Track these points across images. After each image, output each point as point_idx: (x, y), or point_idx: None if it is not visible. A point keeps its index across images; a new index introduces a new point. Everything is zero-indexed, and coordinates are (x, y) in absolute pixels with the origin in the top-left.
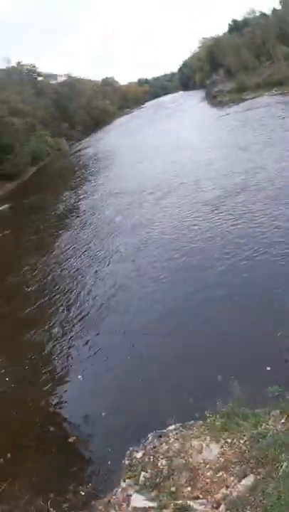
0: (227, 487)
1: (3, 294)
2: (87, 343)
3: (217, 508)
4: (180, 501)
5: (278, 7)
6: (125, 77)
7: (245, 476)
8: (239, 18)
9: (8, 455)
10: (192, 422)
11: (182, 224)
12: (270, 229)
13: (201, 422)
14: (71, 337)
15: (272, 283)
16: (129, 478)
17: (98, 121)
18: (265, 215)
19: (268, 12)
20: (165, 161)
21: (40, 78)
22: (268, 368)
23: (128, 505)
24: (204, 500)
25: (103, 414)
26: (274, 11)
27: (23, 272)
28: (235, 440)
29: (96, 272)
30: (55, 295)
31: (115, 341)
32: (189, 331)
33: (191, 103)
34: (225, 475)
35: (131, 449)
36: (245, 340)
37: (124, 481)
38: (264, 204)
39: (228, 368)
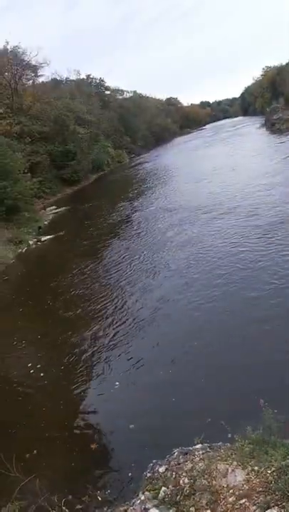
0: None
1: (50, 293)
2: (127, 352)
3: None
4: None
5: None
6: (188, 98)
7: (268, 507)
8: None
9: (35, 451)
10: (220, 443)
11: (234, 246)
12: None
13: (229, 445)
14: (112, 343)
15: None
16: (148, 491)
17: (159, 138)
18: None
19: None
20: (221, 182)
21: (107, 92)
22: None
23: None
24: None
25: (132, 424)
26: None
27: (72, 274)
28: (262, 469)
29: (144, 283)
30: (101, 300)
31: (156, 354)
32: (231, 352)
33: (249, 128)
34: (247, 503)
35: (154, 461)
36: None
37: (144, 493)
38: None
39: (265, 394)
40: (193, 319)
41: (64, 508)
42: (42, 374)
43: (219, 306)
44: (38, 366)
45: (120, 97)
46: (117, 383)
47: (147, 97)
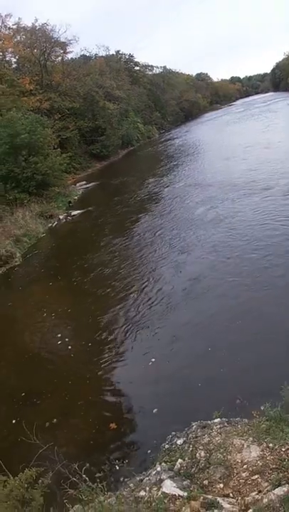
0: (259, 492)
1: (79, 269)
2: (156, 331)
3: (245, 511)
4: (210, 496)
5: None
6: (219, 73)
7: (279, 484)
8: None
9: (55, 420)
10: (238, 419)
11: (264, 224)
12: None
13: (246, 420)
14: (142, 321)
15: None
16: (165, 462)
17: (188, 114)
18: None
19: None
20: (251, 160)
21: (136, 68)
22: None
23: (159, 489)
24: (233, 500)
25: (156, 399)
26: None
27: (101, 250)
28: (277, 446)
29: (174, 260)
30: (131, 277)
31: (185, 333)
32: (259, 330)
33: (281, 104)
34: (260, 479)
35: (173, 433)
36: None
37: (160, 464)
38: None
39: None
40: (222, 299)
41: (84, 475)
42: (70, 347)
43: (249, 285)
44: (67, 339)
45: (150, 73)
46: (153, 359)
47: (177, 72)
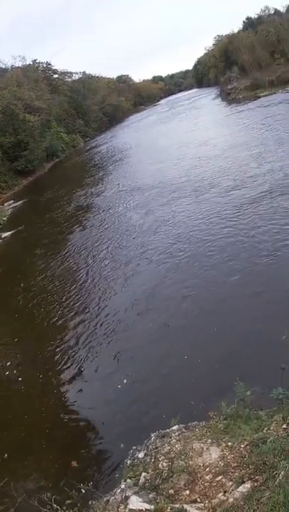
0: (225, 492)
1: (19, 292)
2: (108, 352)
3: None
4: (177, 505)
5: None
6: (140, 74)
7: (242, 482)
8: (253, 15)
9: (5, 455)
10: (195, 422)
11: (191, 224)
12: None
13: (204, 422)
14: (91, 344)
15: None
16: (130, 478)
17: (113, 118)
18: None
19: (283, 9)
20: (176, 159)
21: (55, 76)
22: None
23: (125, 507)
24: (201, 505)
25: (111, 414)
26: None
27: (38, 270)
28: (235, 444)
29: (110, 274)
30: (74, 300)
31: (129, 346)
32: (202, 329)
33: (205, 100)
34: (224, 480)
35: (134, 448)
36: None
37: (125, 480)
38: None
39: (237, 368)
40: (164, 307)
41: (55, 505)
42: (20, 378)
43: (187, 289)
44: (15, 371)
45: (69, 80)
46: (125, 380)
47: (97, 76)
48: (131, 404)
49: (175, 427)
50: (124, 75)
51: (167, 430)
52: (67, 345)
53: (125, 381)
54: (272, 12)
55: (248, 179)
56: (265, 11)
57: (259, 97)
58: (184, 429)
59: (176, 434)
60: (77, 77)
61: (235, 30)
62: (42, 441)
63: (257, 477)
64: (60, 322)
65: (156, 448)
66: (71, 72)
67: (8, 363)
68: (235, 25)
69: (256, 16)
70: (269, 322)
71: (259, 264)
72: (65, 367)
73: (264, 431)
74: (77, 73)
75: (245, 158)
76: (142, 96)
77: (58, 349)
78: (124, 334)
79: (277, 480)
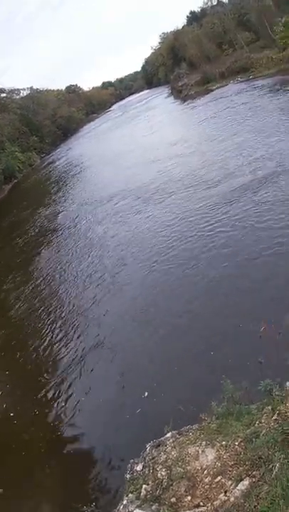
0: (226, 492)
1: None
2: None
3: None
4: None
5: None
6: (89, 82)
7: (241, 479)
8: (197, 9)
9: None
10: (188, 426)
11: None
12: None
13: (196, 425)
14: (75, 372)
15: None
16: (131, 492)
17: (67, 131)
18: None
19: (225, 0)
20: (133, 165)
21: (3, 95)
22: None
23: None
24: (204, 508)
25: (103, 431)
26: None
27: (9, 306)
28: (230, 442)
29: (86, 297)
30: (51, 327)
31: (105, 359)
32: (176, 332)
33: (157, 100)
34: (223, 480)
35: (131, 461)
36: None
37: (127, 495)
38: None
39: (222, 366)
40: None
41: None
42: (4, 405)
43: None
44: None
45: (18, 97)
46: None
47: (46, 90)
48: (123, 418)
49: (169, 434)
50: (72, 85)
51: (161, 438)
52: (51, 374)
53: (115, 400)
54: (215, 3)
55: (201, 182)
56: (207, 3)
57: (212, 90)
58: (177, 435)
59: (171, 441)
60: (25, 93)
61: (180, 26)
62: (40, 467)
63: (254, 472)
64: (40, 350)
65: (153, 458)
66: (19, 89)
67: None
68: (180, 21)
69: (199, 10)
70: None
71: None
72: (53, 396)
73: (256, 425)
74: (24, 89)
75: (204, 157)
76: (93, 104)
77: (45, 379)
78: (108, 354)
79: (274, 473)
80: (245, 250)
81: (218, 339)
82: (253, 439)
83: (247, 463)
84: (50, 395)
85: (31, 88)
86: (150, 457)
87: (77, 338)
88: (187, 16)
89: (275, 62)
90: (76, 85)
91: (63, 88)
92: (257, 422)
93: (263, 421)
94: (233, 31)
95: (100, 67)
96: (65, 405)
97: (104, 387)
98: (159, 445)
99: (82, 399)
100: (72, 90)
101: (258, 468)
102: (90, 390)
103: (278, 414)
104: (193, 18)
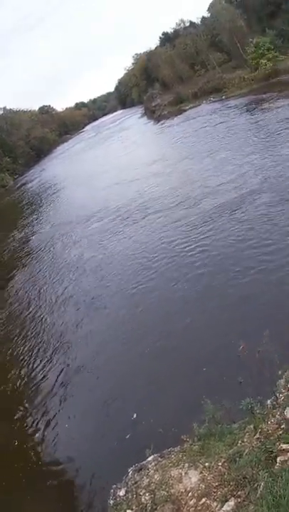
0: None
1: None
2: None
3: None
4: None
5: (206, 15)
6: (62, 102)
7: (226, 500)
8: (170, 30)
9: None
10: (170, 449)
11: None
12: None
13: (179, 447)
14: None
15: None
16: None
17: (40, 151)
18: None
19: (197, 21)
20: (107, 186)
21: None
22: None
23: None
24: None
25: (84, 457)
26: (203, 19)
27: None
28: (213, 463)
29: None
30: (18, 342)
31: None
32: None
33: (130, 121)
34: (208, 501)
35: (114, 486)
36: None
37: None
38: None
39: (204, 386)
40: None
41: None
42: None
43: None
44: None
45: None
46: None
47: (20, 110)
48: (104, 443)
49: (150, 458)
50: (46, 106)
51: (143, 462)
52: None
53: (96, 425)
54: (188, 25)
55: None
56: (180, 24)
57: (185, 111)
58: (159, 458)
59: (153, 464)
60: None
61: (153, 47)
62: (21, 497)
63: (239, 492)
64: (23, 379)
65: (136, 482)
66: None
67: None
68: (153, 42)
69: (172, 31)
70: None
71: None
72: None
73: (238, 444)
74: None
75: (175, 180)
76: (66, 125)
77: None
78: (89, 378)
79: (259, 492)
80: (225, 270)
81: (200, 359)
82: (237, 459)
83: (231, 483)
84: (29, 423)
85: (4, 108)
86: (133, 482)
87: (58, 363)
88: (160, 37)
89: (247, 82)
90: (49, 106)
91: (36, 109)
92: (239, 442)
93: (245, 440)
94: (205, 52)
95: (73, 87)
96: (44, 434)
97: (85, 414)
98: (141, 469)
99: (63, 426)
100: (46, 111)
101: (243, 488)
102: (71, 417)
103: (260, 432)
104: (166, 39)
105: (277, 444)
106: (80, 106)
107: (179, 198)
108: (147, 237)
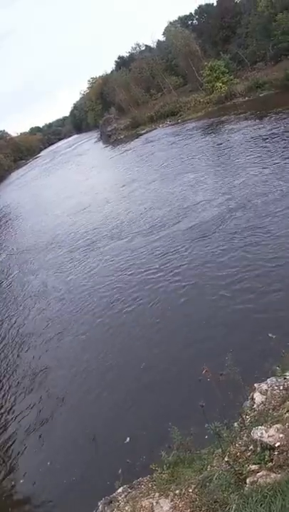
0: None
1: None
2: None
3: None
4: None
5: (162, 39)
6: (16, 127)
7: None
8: (125, 54)
9: None
10: (139, 479)
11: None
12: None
13: (148, 477)
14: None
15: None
16: None
17: None
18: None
19: (153, 45)
20: (61, 213)
21: None
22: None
23: None
24: None
25: (53, 494)
26: (158, 43)
27: None
28: (183, 490)
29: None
30: None
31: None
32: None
33: (86, 146)
34: None
35: None
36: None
37: None
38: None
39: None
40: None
41: None
42: None
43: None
44: None
45: None
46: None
47: None
48: (71, 477)
49: (120, 489)
50: (0, 131)
51: (113, 494)
52: None
53: (63, 459)
54: (144, 48)
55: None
56: (136, 48)
57: (141, 135)
58: (129, 489)
59: (123, 496)
60: None
61: (109, 71)
62: None
63: None
64: None
65: None
66: None
67: None
68: (108, 66)
69: (128, 54)
70: None
71: None
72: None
73: (208, 469)
74: None
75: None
76: (21, 150)
77: None
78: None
79: None
80: (194, 296)
81: (170, 386)
82: (207, 484)
83: (203, 508)
84: None
85: None
86: None
87: (27, 403)
88: (116, 61)
89: (203, 106)
90: (4, 131)
91: None
92: (209, 466)
93: (214, 464)
94: (161, 75)
95: (27, 112)
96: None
97: (50, 448)
98: (111, 501)
99: (29, 464)
100: (0, 136)
101: None
102: (38, 452)
103: (229, 455)
104: (122, 62)
105: (246, 465)
106: (35, 131)
107: (144, 223)
108: (114, 264)
